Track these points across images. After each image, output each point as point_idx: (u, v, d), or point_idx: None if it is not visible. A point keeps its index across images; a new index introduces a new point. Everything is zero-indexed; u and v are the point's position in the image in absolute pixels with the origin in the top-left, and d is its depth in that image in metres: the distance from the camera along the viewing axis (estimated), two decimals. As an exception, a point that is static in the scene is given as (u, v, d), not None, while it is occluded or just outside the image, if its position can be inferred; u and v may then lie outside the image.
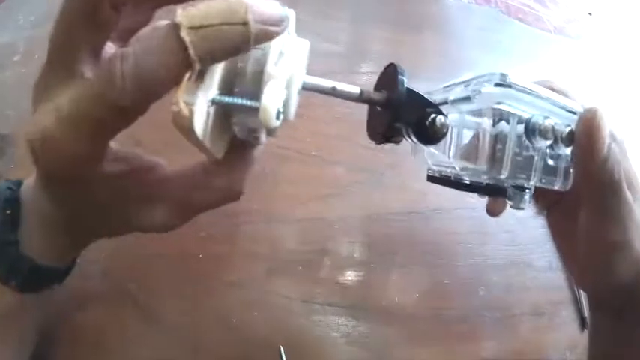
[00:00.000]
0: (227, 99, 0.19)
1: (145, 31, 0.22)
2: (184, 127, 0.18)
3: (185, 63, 0.17)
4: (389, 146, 0.47)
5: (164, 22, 0.17)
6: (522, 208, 0.26)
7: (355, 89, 0.23)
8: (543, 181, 0.26)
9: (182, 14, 0.17)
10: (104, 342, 0.34)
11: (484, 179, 0.26)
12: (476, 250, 0.43)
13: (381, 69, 0.25)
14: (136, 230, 0.26)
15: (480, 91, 0.25)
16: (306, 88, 0.22)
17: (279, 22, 0.18)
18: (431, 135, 0.23)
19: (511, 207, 0.27)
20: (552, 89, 0.27)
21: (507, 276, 0.43)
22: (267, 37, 0.18)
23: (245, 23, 0.17)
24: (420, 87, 0.24)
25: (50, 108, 0.20)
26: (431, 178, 0.30)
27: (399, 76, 0.23)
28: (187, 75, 0.17)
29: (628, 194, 0.26)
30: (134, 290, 0.36)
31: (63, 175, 0.21)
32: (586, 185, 0.27)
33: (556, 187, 0.27)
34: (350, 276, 0.40)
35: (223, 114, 0.21)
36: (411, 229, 0.43)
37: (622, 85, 0.64)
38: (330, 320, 0.38)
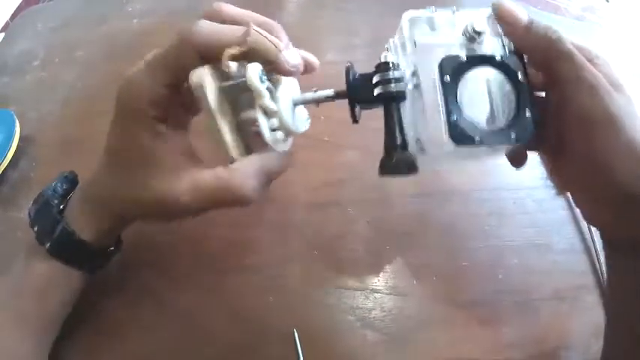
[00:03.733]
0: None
1: None
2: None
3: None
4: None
5: None
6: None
7: (330, 91, 0.29)
8: None
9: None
10: (120, 329, 0.35)
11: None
12: (494, 233, 0.42)
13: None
14: (156, 203, 0.27)
15: None
16: (296, 102, 0.29)
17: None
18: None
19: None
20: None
21: (527, 259, 0.41)
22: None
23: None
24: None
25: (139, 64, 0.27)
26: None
27: (348, 71, 0.28)
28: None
29: (588, 66, 0.25)
30: (150, 278, 0.37)
31: (138, 112, 0.26)
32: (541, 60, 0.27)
33: None
34: (365, 260, 0.40)
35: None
36: (426, 211, 0.43)
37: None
38: (345, 304, 0.37)
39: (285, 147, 0.29)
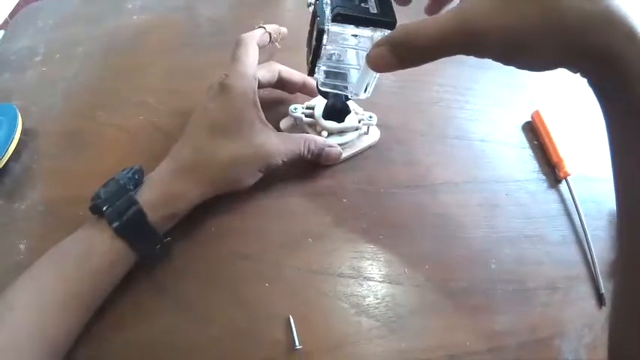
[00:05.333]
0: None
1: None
2: None
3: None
4: (397, 123, 0.48)
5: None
6: None
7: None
8: None
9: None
10: (120, 316, 0.36)
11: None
12: (486, 223, 0.43)
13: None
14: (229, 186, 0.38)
15: None
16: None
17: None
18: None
19: None
20: None
21: (520, 249, 0.42)
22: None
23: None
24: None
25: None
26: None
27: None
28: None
29: None
30: (150, 267, 0.38)
31: (252, 95, 0.38)
32: None
33: None
34: (359, 248, 0.40)
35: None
36: (419, 202, 0.44)
37: None
38: (339, 291, 0.38)
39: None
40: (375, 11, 0.30)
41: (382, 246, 0.41)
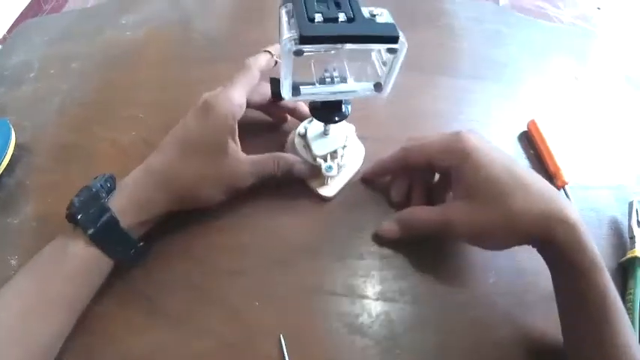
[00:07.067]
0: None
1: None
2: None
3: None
4: (392, 135, 0.48)
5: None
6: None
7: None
8: None
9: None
10: (111, 330, 0.36)
11: None
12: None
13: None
14: (195, 204, 0.39)
15: None
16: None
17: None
18: None
19: None
20: None
21: (518, 261, 0.41)
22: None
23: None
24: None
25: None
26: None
27: None
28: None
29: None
30: (140, 280, 0.38)
31: (231, 118, 0.37)
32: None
33: None
34: (352, 265, 0.40)
35: None
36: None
37: (633, 76, 0.63)
38: (332, 310, 0.37)
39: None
40: None
41: (376, 262, 0.40)
